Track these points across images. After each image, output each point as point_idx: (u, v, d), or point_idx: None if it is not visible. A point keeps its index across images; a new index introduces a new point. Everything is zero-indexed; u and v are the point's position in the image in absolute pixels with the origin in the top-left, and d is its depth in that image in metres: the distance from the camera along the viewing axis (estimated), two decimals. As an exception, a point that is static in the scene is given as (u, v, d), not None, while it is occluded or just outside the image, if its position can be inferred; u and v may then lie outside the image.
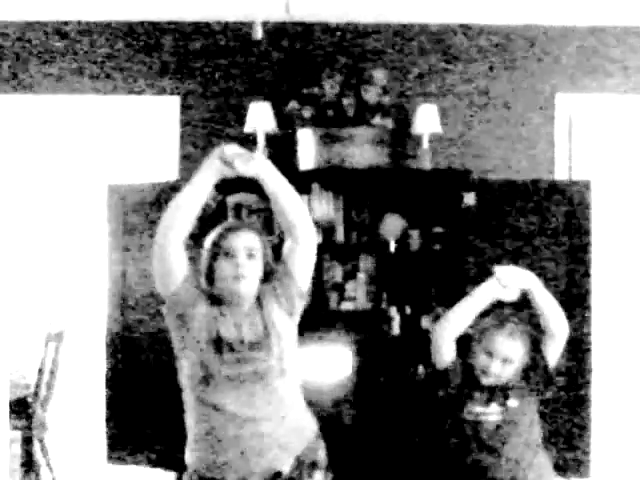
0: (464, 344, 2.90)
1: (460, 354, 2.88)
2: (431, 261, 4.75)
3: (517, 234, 4.66)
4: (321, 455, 2.69)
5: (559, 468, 4.61)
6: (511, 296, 2.82)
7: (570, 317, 4.62)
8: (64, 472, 5.09)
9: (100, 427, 4.79)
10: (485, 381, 2.83)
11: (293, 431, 2.63)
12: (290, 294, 2.70)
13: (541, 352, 2.84)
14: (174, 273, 2.59)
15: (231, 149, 2.62)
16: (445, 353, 2.85)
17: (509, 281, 2.78)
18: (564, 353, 2.85)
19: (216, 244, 2.65)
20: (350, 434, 4.53)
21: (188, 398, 2.64)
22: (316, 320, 4.70)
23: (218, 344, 2.56)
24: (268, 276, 2.70)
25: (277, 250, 2.77)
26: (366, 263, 4.78)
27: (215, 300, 2.65)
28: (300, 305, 2.74)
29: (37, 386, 4.99)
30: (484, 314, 2.86)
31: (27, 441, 4.93)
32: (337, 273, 4.79)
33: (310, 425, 2.71)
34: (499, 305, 2.87)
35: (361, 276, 4.75)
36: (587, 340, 4.61)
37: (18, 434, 4.92)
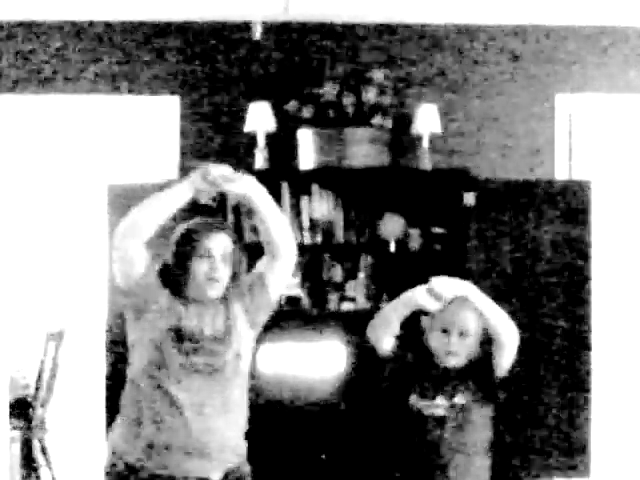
0: (418, 335, 2.90)
1: (416, 344, 2.87)
2: (431, 261, 4.75)
3: (517, 234, 4.66)
4: (247, 473, 2.70)
5: (559, 468, 4.63)
6: (435, 306, 2.81)
7: (570, 317, 4.69)
8: (64, 472, 5.10)
9: (100, 427, 4.79)
10: (447, 362, 2.79)
11: (235, 437, 2.63)
12: (259, 305, 2.70)
13: (490, 361, 2.79)
14: (134, 270, 2.57)
15: (218, 169, 2.59)
16: (385, 344, 2.85)
17: (441, 291, 2.77)
18: (516, 360, 2.78)
19: (191, 244, 2.61)
20: (347, 435, 4.53)
21: (139, 386, 2.59)
22: (316, 320, 4.71)
23: (178, 333, 2.55)
24: (235, 276, 2.68)
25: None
26: (366, 263, 4.78)
27: (178, 292, 2.64)
28: (265, 317, 2.74)
29: (37, 386, 4.99)
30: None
31: (27, 441, 4.93)
32: (337, 273, 4.79)
33: (244, 446, 2.70)
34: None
35: (361, 276, 4.75)
36: (587, 339, 4.62)
37: (18, 434, 4.93)
